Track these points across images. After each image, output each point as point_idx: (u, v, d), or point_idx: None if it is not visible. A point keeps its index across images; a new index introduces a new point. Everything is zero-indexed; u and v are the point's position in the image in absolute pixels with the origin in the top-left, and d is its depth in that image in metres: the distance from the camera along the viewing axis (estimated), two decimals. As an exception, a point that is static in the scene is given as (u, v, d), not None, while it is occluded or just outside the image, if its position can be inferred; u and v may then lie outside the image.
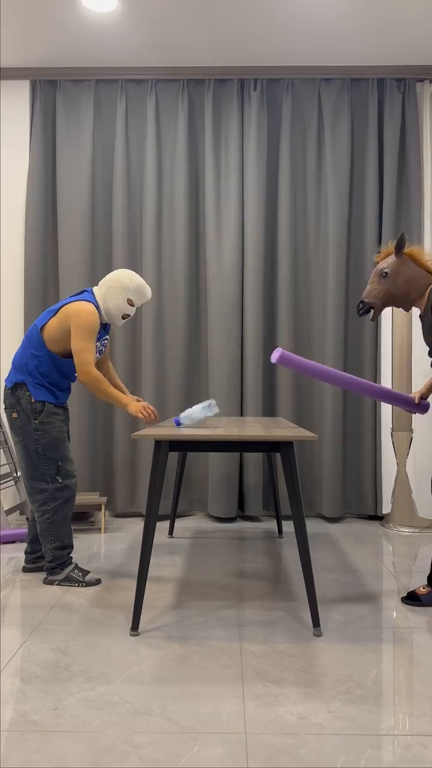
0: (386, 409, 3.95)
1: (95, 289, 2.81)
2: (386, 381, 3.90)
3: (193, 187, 4.19)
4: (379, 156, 4.17)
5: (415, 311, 3.80)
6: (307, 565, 2.22)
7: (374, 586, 2.79)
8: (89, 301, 2.70)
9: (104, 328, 2.88)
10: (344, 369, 4.14)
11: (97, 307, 2.76)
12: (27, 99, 4.19)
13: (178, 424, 2.57)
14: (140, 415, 2.63)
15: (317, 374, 2.60)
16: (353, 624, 2.34)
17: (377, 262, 2.63)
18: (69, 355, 2.75)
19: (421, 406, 2.72)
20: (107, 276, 2.81)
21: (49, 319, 2.72)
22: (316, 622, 2.24)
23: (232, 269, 4.06)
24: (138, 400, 2.71)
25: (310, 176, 4.16)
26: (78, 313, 2.64)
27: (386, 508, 3.95)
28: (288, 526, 3.95)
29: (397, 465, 3.83)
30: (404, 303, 2.61)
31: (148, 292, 2.83)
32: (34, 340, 2.74)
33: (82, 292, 2.81)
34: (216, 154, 4.13)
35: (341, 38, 3.77)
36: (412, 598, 2.58)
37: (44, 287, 4.18)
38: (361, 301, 2.64)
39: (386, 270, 2.57)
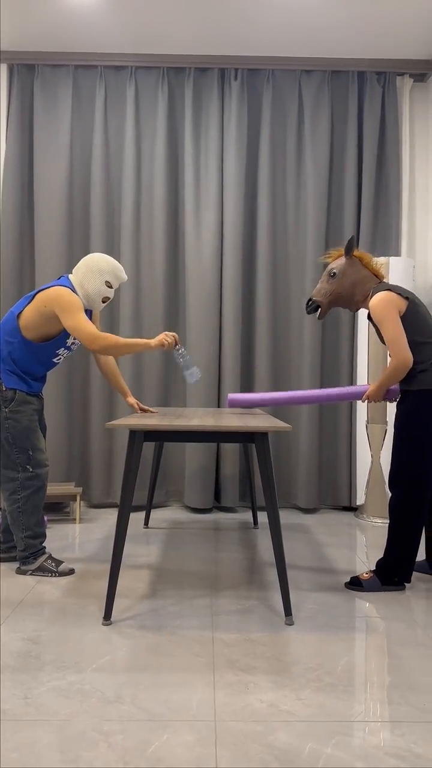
0: (361, 402, 3.98)
1: (71, 276, 2.79)
2: (362, 372, 3.93)
3: (172, 176, 4.16)
4: (359, 148, 4.18)
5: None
6: (279, 555, 2.23)
7: (347, 575, 2.82)
8: (66, 286, 2.68)
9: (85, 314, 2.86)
10: (321, 361, 4.15)
11: (75, 292, 2.73)
12: (4, 83, 4.12)
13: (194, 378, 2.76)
14: (164, 343, 2.64)
15: (272, 402, 2.84)
16: (325, 613, 2.37)
17: (326, 264, 2.70)
18: (44, 340, 2.73)
19: (389, 392, 2.71)
20: (81, 262, 2.79)
21: (26, 305, 2.70)
22: (288, 612, 2.26)
23: (210, 259, 4.05)
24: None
25: (290, 167, 4.15)
26: (58, 295, 2.62)
27: (360, 500, 3.99)
28: (263, 517, 3.97)
29: (372, 457, 3.87)
30: (350, 304, 2.70)
31: (123, 272, 2.83)
32: (8, 326, 2.71)
33: (58, 279, 2.79)
34: (196, 144, 4.10)
35: (323, 30, 3.77)
36: (354, 583, 2.63)
37: (20, 274, 4.13)
38: (310, 299, 2.73)
39: (335, 270, 2.66)
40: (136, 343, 2.62)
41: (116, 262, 2.80)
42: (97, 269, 2.75)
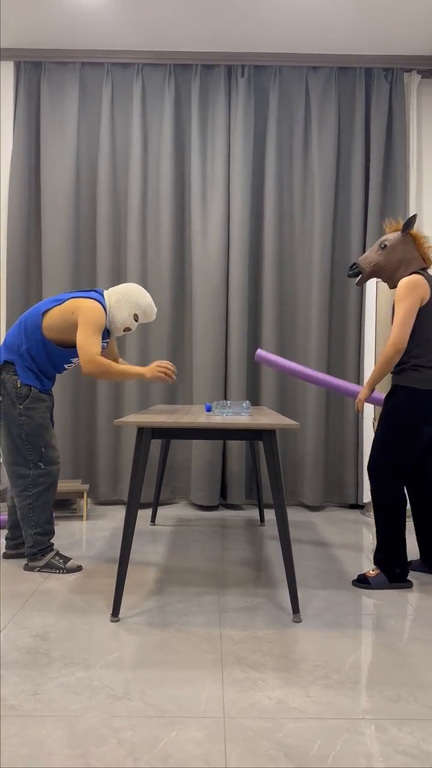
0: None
1: (106, 294, 2.81)
2: (369, 370, 3.92)
3: (179, 174, 4.16)
4: (366, 145, 4.16)
5: None
6: (287, 552, 2.23)
7: (353, 573, 2.82)
8: (100, 303, 2.70)
9: (105, 333, 2.87)
10: (328, 356, 4.16)
11: (105, 311, 2.75)
12: (11, 81, 4.13)
13: (209, 409, 2.69)
14: (160, 375, 2.66)
15: (294, 373, 2.85)
16: (332, 610, 2.37)
17: (385, 232, 2.70)
18: (62, 346, 2.74)
19: (372, 398, 2.85)
20: (120, 286, 2.83)
21: (54, 306, 2.71)
22: (295, 609, 2.26)
23: (217, 257, 4.04)
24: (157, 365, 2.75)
25: (297, 164, 4.14)
26: (88, 309, 2.64)
27: (366, 497, 3.99)
28: (270, 515, 3.98)
29: (379, 455, 3.86)
30: (389, 279, 2.68)
31: (155, 313, 2.88)
32: (31, 322, 2.72)
33: (91, 291, 2.81)
34: (202, 141, 4.10)
35: (330, 26, 3.75)
36: (362, 581, 2.64)
37: (26, 272, 4.13)
38: (355, 263, 2.71)
39: (386, 242, 2.63)
40: (130, 372, 2.65)
41: (151, 300, 2.84)
42: (132, 301, 2.79)
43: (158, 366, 2.70)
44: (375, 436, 2.61)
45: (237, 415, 2.56)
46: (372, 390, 2.61)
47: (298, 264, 4.18)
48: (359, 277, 2.72)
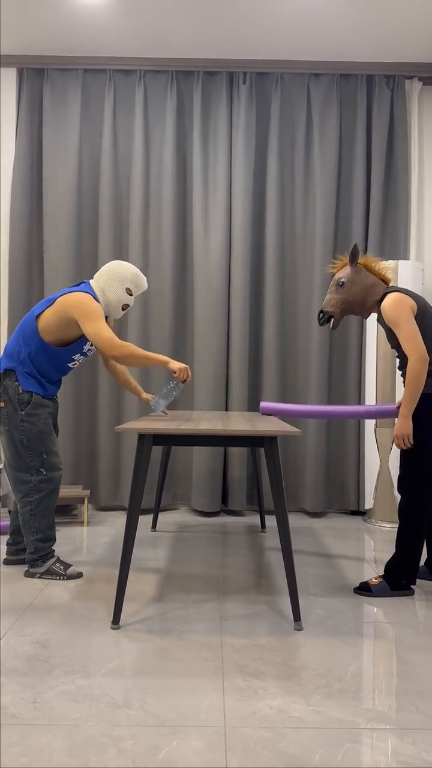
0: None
1: (92, 282, 2.80)
2: (371, 374, 3.91)
3: (180, 180, 4.17)
4: (367, 152, 4.17)
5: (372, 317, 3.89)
6: (288, 559, 2.23)
7: (355, 581, 2.81)
8: (87, 293, 2.69)
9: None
10: (329, 364, 4.15)
11: (96, 299, 2.75)
12: (13, 87, 4.14)
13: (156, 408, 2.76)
14: (180, 372, 2.68)
15: (302, 414, 2.82)
16: (334, 618, 2.36)
17: (332, 274, 2.72)
18: (62, 345, 2.74)
19: (386, 411, 2.77)
20: (103, 268, 2.81)
21: (46, 308, 2.71)
22: (296, 616, 2.25)
23: (218, 263, 4.05)
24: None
25: (298, 171, 4.15)
26: (79, 302, 2.63)
27: (368, 504, 3.98)
28: (271, 521, 3.97)
29: (380, 461, 3.85)
30: (362, 310, 2.70)
31: (145, 281, 2.85)
32: (27, 328, 2.72)
33: (79, 284, 2.79)
34: (204, 147, 4.11)
35: (332, 34, 3.77)
36: (363, 589, 2.63)
37: (29, 277, 4.14)
38: (321, 311, 2.73)
39: (343, 279, 2.66)
40: (154, 357, 2.64)
41: (137, 270, 2.81)
42: (119, 276, 2.77)
43: (186, 368, 2.71)
44: (401, 451, 2.57)
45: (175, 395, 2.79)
46: (410, 417, 2.45)
47: (299, 270, 4.18)
48: (332, 320, 2.73)
